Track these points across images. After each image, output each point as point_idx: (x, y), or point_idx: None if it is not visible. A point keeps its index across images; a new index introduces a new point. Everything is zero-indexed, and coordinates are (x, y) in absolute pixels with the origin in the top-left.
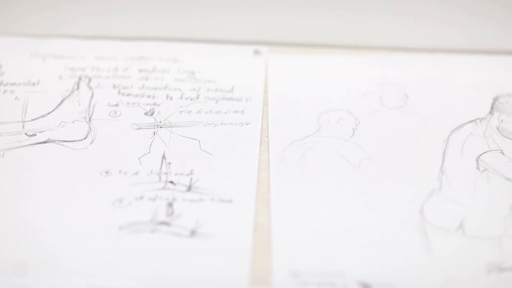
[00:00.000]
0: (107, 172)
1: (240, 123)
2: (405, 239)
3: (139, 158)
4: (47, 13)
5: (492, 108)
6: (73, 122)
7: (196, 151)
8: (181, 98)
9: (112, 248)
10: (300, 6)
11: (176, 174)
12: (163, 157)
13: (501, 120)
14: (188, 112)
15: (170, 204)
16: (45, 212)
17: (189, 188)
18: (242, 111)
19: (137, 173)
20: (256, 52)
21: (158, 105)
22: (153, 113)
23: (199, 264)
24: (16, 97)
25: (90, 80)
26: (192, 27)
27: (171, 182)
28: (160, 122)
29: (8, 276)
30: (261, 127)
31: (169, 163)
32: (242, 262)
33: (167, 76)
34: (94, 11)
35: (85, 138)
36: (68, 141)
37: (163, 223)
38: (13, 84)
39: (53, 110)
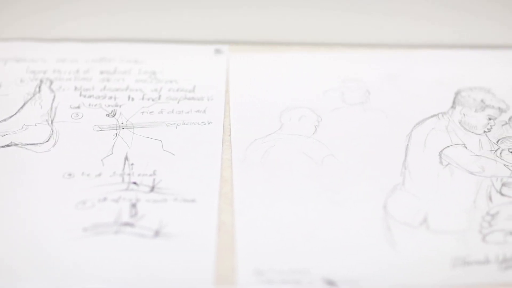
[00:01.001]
0: (70, 175)
1: (202, 122)
2: (369, 235)
3: (101, 160)
4: (7, 16)
5: (454, 102)
6: (35, 125)
7: (159, 151)
8: (142, 98)
9: (76, 250)
10: (260, 5)
11: (139, 175)
12: (126, 158)
13: (463, 114)
14: (150, 112)
15: (133, 205)
16: (9, 216)
17: (152, 189)
18: (204, 111)
19: (100, 174)
20: (217, 51)
21: (120, 106)
22: (115, 115)
23: (163, 264)
24: None
25: (51, 82)
26: (153, 28)
27: (134, 183)
28: (122, 123)
29: None
30: (223, 126)
31: (132, 164)
32: (206, 262)
33: (128, 77)
34: (54, 14)
35: (47, 141)
36: (31, 144)
37: (126, 224)
38: None
39: (15, 114)
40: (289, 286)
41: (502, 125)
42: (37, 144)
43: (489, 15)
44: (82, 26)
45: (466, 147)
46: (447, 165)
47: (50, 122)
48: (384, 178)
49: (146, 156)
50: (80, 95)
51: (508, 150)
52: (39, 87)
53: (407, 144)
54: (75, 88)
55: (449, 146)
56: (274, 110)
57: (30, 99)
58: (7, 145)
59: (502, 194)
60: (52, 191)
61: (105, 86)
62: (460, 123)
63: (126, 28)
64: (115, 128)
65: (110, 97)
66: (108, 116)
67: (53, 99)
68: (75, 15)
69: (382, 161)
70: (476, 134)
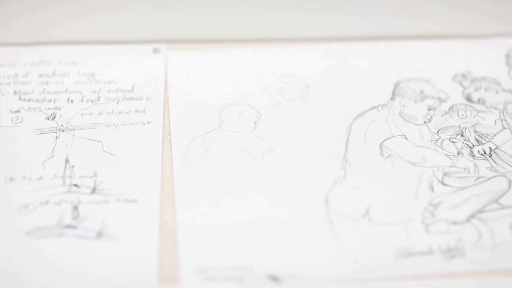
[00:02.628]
0: (11, 179)
1: (142, 122)
2: (311, 229)
3: (42, 163)
4: None
5: (393, 93)
6: None
7: (99, 152)
8: (82, 100)
9: (19, 254)
10: (197, 4)
11: (80, 177)
12: (67, 160)
13: (403, 105)
14: (90, 114)
15: (75, 207)
16: None
17: (93, 190)
18: (144, 110)
19: (41, 178)
20: (155, 51)
21: (60, 109)
22: (54, 117)
23: (106, 265)
24: None
25: None
26: (90, 29)
27: (75, 185)
28: (62, 125)
29: None
30: (163, 125)
31: (73, 166)
32: (149, 261)
33: (67, 80)
34: None
35: None
36: None
37: (69, 226)
38: None
39: None
40: (233, 283)
41: (442, 115)
42: None
43: (425, 6)
44: (19, 30)
45: (406, 138)
46: (388, 156)
47: None
48: (325, 172)
49: (87, 158)
50: (20, 99)
51: (449, 140)
52: None
53: (347, 137)
54: (14, 92)
55: (389, 138)
56: (213, 107)
57: None
58: None
59: (444, 184)
60: None
61: (44, 89)
62: (400, 114)
63: (64, 31)
64: (55, 131)
65: (50, 100)
66: (48, 119)
67: None
68: (12, 18)
69: (323, 155)
70: (416, 124)
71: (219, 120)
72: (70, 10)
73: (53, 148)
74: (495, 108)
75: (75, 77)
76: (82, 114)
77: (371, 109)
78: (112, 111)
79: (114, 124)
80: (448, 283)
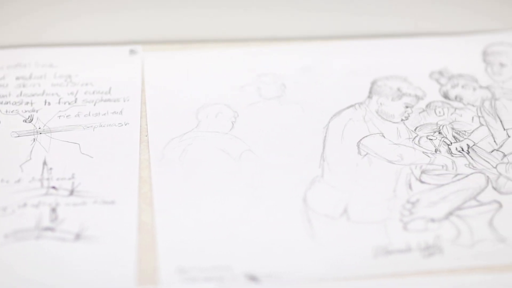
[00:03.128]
0: None
1: (119, 124)
2: (289, 228)
3: (20, 166)
4: None
5: (370, 92)
6: None
7: (77, 154)
8: (59, 102)
9: None
10: (172, 4)
11: (57, 179)
12: (44, 163)
13: (380, 103)
14: (67, 116)
15: (53, 210)
16: None
17: (71, 192)
18: (121, 112)
19: (19, 180)
20: (132, 52)
21: (37, 111)
22: (32, 120)
23: (85, 267)
24: None
25: None
26: (67, 31)
27: (53, 187)
28: (40, 128)
29: None
30: (140, 126)
31: (51, 169)
32: (128, 262)
33: (44, 82)
34: None
35: None
36: None
37: (47, 229)
38: None
39: None
40: (212, 283)
41: (420, 113)
42: None
43: (401, 4)
44: None
45: (384, 136)
46: (365, 155)
47: None
48: (302, 171)
49: (64, 160)
50: None
51: (427, 137)
52: None
53: (325, 136)
54: None
55: (367, 136)
56: (190, 108)
57: None
58: None
59: (421, 182)
60: None
61: (21, 92)
62: (377, 112)
63: (40, 33)
64: (32, 134)
65: (27, 103)
66: (26, 121)
67: None
68: None
69: (300, 154)
70: (394, 122)
71: (196, 120)
72: (47, 13)
73: (31, 151)
74: (473, 105)
75: (52, 79)
76: (60, 116)
77: (348, 107)
78: (89, 113)
79: (91, 126)
80: (427, 280)
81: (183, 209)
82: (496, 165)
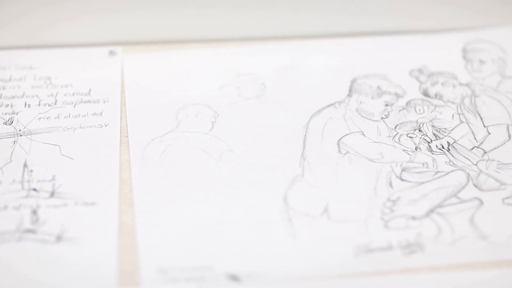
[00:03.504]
0: None
1: (99, 125)
2: (270, 228)
3: (0, 168)
4: None
5: (350, 90)
6: None
7: (57, 156)
8: (39, 104)
9: None
10: (151, 5)
11: (38, 181)
12: (25, 165)
13: (360, 102)
14: (47, 118)
15: (34, 212)
16: None
17: (52, 194)
18: (101, 113)
19: None
20: (111, 53)
21: (17, 113)
22: (12, 122)
23: (66, 268)
24: None
25: None
26: (46, 33)
27: (34, 189)
28: (20, 130)
29: None
30: (120, 127)
31: (31, 171)
32: (109, 263)
33: (23, 84)
34: None
35: None
36: None
37: (28, 231)
38: None
39: None
40: (193, 284)
41: (400, 111)
42: None
43: (380, 2)
44: None
45: (364, 135)
46: (345, 153)
47: None
48: (283, 170)
49: (45, 162)
50: None
51: (407, 135)
52: None
53: (305, 135)
54: None
55: (347, 135)
56: (170, 108)
57: None
58: None
59: (402, 179)
60: None
61: (1, 94)
62: (357, 110)
63: (20, 35)
64: (13, 136)
65: (7, 105)
66: (6, 124)
67: None
68: None
69: (281, 153)
70: (374, 121)
71: (176, 121)
72: (25, 15)
73: (11, 153)
74: (452, 103)
75: (31, 81)
76: (40, 118)
77: (328, 106)
78: (69, 115)
79: (71, 128)
80: (408, 278)
81: (163, 210)
82: (477, 162)
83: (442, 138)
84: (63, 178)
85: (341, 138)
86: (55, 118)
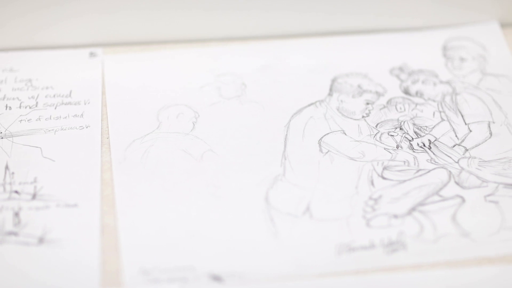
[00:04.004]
0: None
1: (80, 126)
2: (252, 227)
3: None
4: None
5: (331, 89)
6: None
7: (39, 158)
8: (20, 107)
9: None
10: (131, 6)
11: (20, 183)
12: (6, 167)
13: (341, 101)
14: (28, 120)
15: (16, 214)
16: None
17: (34, 196)
18: (82, 115)
19: None
20: (92, 55)
21: None
22: None
23: (49, 270)
24: None
25: None
26: (26, 35)
27: (16, 191)
28: (1, 133)
29: None
30: (102, 128)
31: (13, 173)
32: (91, 265)
33: (4, 87)
34: None
35: None
36: None
37: (10, 233)
38: None
39: None
40: (176, 284)
41: (381, 109)
42: None
43: (359, 1)
44: None
45: (345, 133)
46: (327, 152)
47: None
48: (264, 170)
49: (26, 164)
50: None
51: (388, 134)
52: None
53: (286, 134)
54: None
55: (328, 134)
56: (151, 109)
57: None
58: None
59: (383, 178)
60: None
61: None
62: (338, 109)
63: (0, 37)
64: None
65: None
66: None
67: None
68: None
69: (262, 152)
70: (355, 119)
71: (157, 121)
72: (5, 16)
73: None
74: (433, 100)
75: (12, 83)
76: (21, 120)
77: (309, 105)
78: (50, 117)
79: (52, 130)
80: (391, 276)
81: (145, 210)
82: (458, 160)
83: (423, 136)
84: (44, 180)
85: (322, 137)
86: (36, 120)
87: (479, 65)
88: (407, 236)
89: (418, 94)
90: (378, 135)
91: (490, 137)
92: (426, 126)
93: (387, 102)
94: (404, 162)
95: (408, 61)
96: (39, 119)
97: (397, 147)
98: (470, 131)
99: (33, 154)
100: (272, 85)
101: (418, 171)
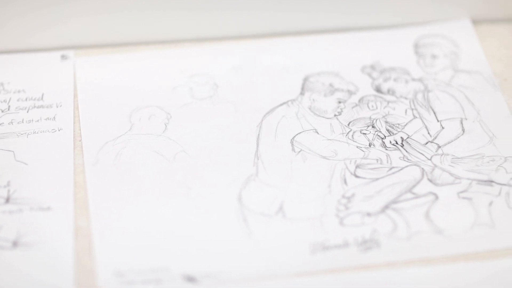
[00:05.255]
0: None
1: (52, 129)
2: (226, 228)
3: None
4: None
5: (303, 88)
6: None
7: (11, 162)
8: None
9: None
10: (103, 8)
11: None
12: None
13: (313, 100)
14: (0, 124)
15: None
16: None
17: (7, 200)
18: (54, 118)
19: None
20: (63, 57)
21: None
22: None
23: (23, 274)
24: None
25: None
26: None
27: None
28: None
29: None
30: (74, 131)
31: None
32: (66, 267)
33: None
34: None
35: None
36: None
37: None
38: None
39: None
40: (150, 286)
41: (353, 107)
42: None
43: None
44: None
45: (317, 132)
46: (299, 151)
47: None
48: (237, 170)
49: None
50: None
51: (360, 132)
52: None
53: (258, 134)
54: None
55: (300, 133)
56: (123, 111)
57: None
58: None
59: (356, 176)
60: None
61: None
62: (310, 108)
63: None
64: None
65: None
66: None
67: None
68: None
69: (234, 153)
70: (327, 118)
71: (130, 123)
72: None
73: None
74: (405, 98)
75: None
76: None
77: (281, 105)
78: (22, 120)
79: (25, 133)
80: (365, 275)
81: (119, 213)
82: (431, 157)
83: (395, 133)
84: (18, 184)
85: (294, 137)
86: (8, 123)
87: (451, 62)
88: (380, 234)
89: (390, 92)
90: (351, 133)
91: (462, 134)
92: (398, 124)
93: (359, 101)
94: (377, 160)
95: (380, 59)
96: (12, 122)
97: (370, 145)
98: (443, 128)
99: (6, 158)
100: (244, 85)
101: (391, 169)
